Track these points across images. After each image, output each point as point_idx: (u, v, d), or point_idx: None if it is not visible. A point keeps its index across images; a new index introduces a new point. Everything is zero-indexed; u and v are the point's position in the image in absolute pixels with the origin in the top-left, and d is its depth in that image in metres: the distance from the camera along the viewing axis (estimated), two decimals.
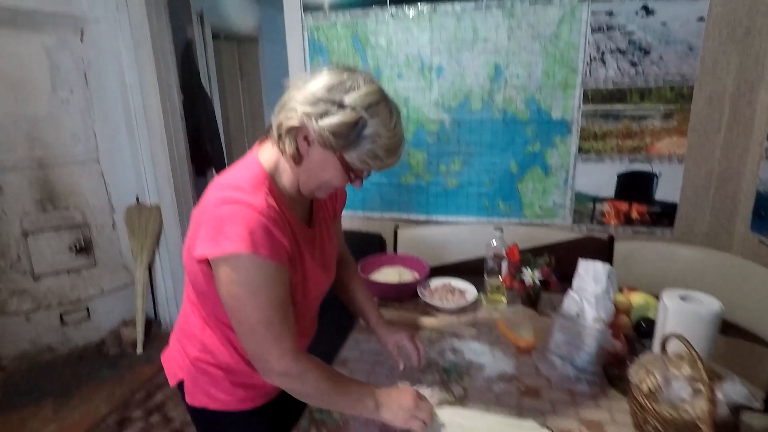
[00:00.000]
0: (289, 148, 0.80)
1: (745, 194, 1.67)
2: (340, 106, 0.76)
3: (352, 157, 0.79)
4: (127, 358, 2.53)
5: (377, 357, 1.16)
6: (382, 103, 0.79)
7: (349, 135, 0.77)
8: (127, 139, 2.52)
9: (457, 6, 1.77)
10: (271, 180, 0.84)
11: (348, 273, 1.16)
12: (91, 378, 2.35)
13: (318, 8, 1.92)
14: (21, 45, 2.25)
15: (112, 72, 2.42)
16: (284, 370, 0.79)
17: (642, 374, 0.84)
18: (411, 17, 1.83)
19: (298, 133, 0.79)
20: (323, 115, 0.76)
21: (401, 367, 1.06)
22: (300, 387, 0.82)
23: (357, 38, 1.91)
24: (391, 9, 1.84)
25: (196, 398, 0.96)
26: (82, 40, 2.40)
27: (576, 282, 1.11)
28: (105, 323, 2.64)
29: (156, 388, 2.25)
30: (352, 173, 0.82)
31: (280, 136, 0.81)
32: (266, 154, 0.86)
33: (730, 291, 1.38)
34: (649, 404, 0.80)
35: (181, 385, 0.98)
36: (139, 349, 2.57)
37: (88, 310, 2.57)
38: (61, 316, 2.49)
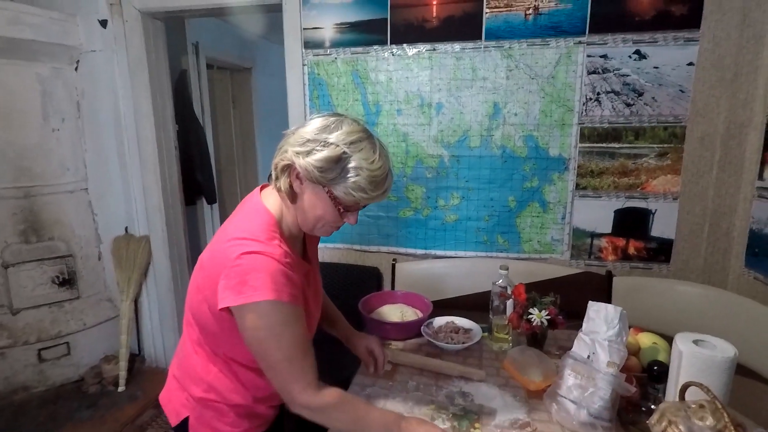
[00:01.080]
0: (283, 185, 0.89)
1: (739, 232, 1.71)
2: (325, 143, 0.84)
3: (339, 190, 0.87)
4: (109, 396, 2.40)
5: (384, 403, 1.11)
6: (365, 141, 0.87)
7: (333, 169, 0.85)
8: (119, 169, 2.47)
9: (457, 46, 1.82)
10: (279, 225, 0.91)
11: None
12: (69, 418, 2.21)
13: (319, 45, 1.94)
14: (13, 73, 2.21)
15: (106, 101, 2.39)
16: (306, 403, 0.86)
17: (664, 424, 0.83)
18: (411, 56, 1.87)
19: (290, 171, 0.88)
20: (310, 152, 0.85)
21: (370, 370, 1.21)
22: (323, 419, 0.89)
23: (357, 74, 1.93)
24: (392, 48, 1.88)
25: None
26: (76, 70, 2.37)
27: (586, 325, 1.10)
28: (86, 359, 2.52)
29: (139, 430, 2.14)
30: (341, 206, 0.89)
31: (276, 177, 0.90)
32: (270, 200, 0.93)
33: (728, 328, 1.39)
34: None
35: (184, 423, 0.97)
36: (122, 387, 2.44)
37: (68, 345, 2.45)
38: (39, 353, 2.37)
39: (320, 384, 0.88)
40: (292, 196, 0.90)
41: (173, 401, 1.01)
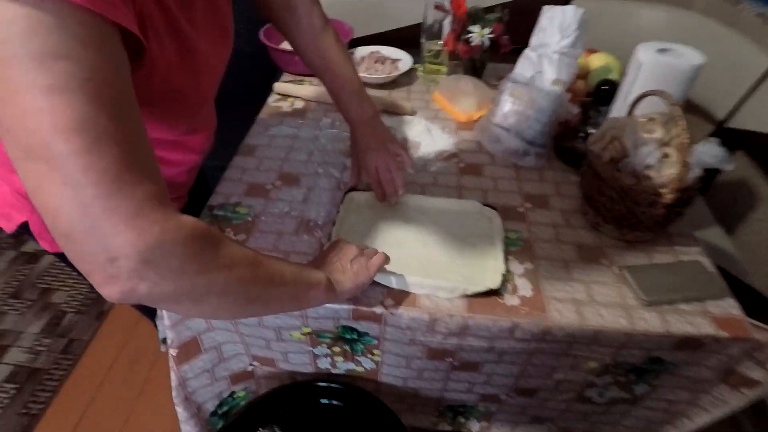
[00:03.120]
0: None
1: None
2: None
3: None
4: None
5: (292, 142, 0.94)
6: None
7: None
8: None
9: None
10: None
11: (302, 27, 0.73)
12: None
13: None
14: None
15: None
16: (149, 243, 0.34)
17: (605, 141, 0.71)
18: None
19: None
20: None
21: (378, 196, 0.77)
22: (196, 278, 0.38)
23: None
24: None
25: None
26: None
27: (536, 37, 0.88)
28: None
29: None
30: None
31: None
32: None
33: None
34: (608, 172, 0.69)
35: (24, 227, 0.65)
36: None
37: None
38: None
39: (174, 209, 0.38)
40: None
41: None
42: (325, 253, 0.62)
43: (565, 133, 0.92)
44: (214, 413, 0.83)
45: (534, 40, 0.88)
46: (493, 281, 0.65)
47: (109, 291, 0.35)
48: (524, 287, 0.67)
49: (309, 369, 0.79)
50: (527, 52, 0.89)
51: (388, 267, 0.66)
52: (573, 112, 0.85)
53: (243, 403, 0.86)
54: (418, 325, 0.65)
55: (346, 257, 0.60)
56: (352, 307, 0.64)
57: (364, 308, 0.64)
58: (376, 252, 0.63)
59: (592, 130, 0.90)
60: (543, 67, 0.85)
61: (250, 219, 0.76)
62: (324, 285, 0.54)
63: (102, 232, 0.33)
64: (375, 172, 0.76)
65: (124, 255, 0.33)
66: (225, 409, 0.84)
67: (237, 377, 0.82)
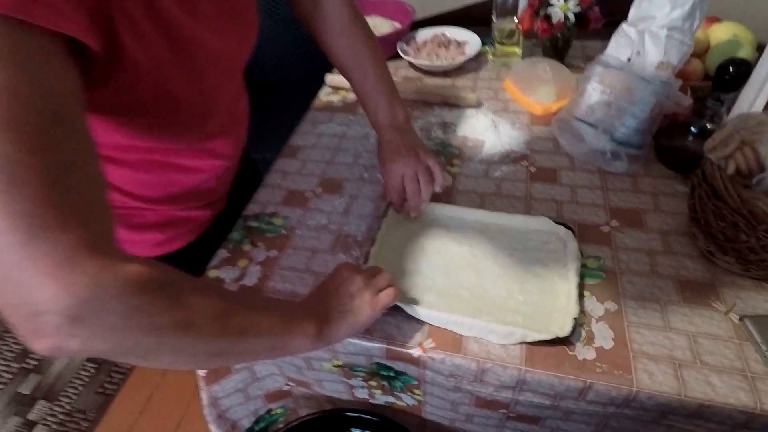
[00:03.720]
0: None
1: None
2: None
3: None
4: None
5: (339, 142, 0.86)
6: None
7: None
8: None
9: None
10: None
11: (328, 22, 0.64)
12: None
13: None
14: None
15: None
16: (78, 297, 0.28)
17: (733, 146, 0.53)
18: None
19: None
20: None
21: (406, 212, 0.67)
22: (141, 337, 0.32)
23: None
24: None
25: None
26: None
27: (636, 8, 0.70)
28: None
29: None
30: None
31: None
32: None
33: None
34: (732, 190, 0.51)
35: None
36: None
37: None
38: None
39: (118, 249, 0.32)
40: None
41: None
42: (324, 285, 0.53)
43: (670, 128, 0.73)
44: (250, 429, 0.79)
45: (634, 11, 0.70)
46: (562, 328, 0.52)
47: (36, 346, 0.29)
48: (603, 335, 0.53)
49: (345, 396, 0.72)
50: (624, 28, 0.72)
51: (432, 299, 0.56)
52: (684, 105, 0.66)
53: (281, 420, 0.81)
54: (464, 373, 0.54)
55: (347, 291, 0.50)
56: (385, 346, 0.55)
57: (399, 349, 0.54)
58: (387, 283, 0.53)
59: (710, 127, 0.71)
60: (645, 46, 0.67)
61: (285, 232, 0.69)
62: (311, 335, 0.45)
63: (21, 284, 0.27)
64: (400, 181, 0.64)
65: (47, 311, 0.27)
66: (262, 425, 0.80)
67: (273, 396, 0.77)
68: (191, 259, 0.64)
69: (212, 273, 0.64)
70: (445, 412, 0.65)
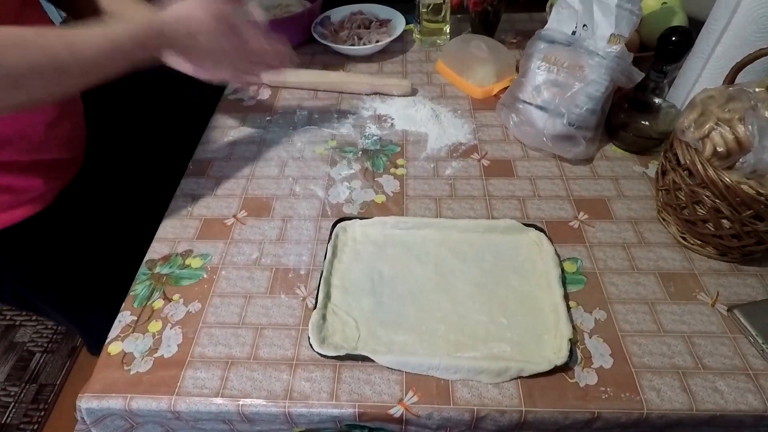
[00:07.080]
0: None
1: None
2: None
3: None
4: None
5: (258, 150, 0.71)
6: None
7: None
8: None
9: None
10: None
11: None
12: None
13: None
14: None
15: None
16: None
17: (708, 126, 0.48)
18: None
19: None
20: None
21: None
22: None
23: None
24: None
25: None
26: None
27: None
28: None
29: None
30: None
31: None
32: None
33: None
34: (714, 174, 0.47)
35: None
36: None
37: None
38: None
39: None
40: None
41: None
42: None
43: (616, 104, 0.69)
44: None
45: None
46: (557, 353, 0.45)
47: None
48: (600, 352, 0.47)
49: None
50: None
51: (405, 339, 0.46)
52: (636, 80, 0.62)
53: None
54: (456, 424, 0.45)
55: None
56: (357, 411, 0.44)
57: (375, 411, 0.44)
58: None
59: (657, 100, 0.68)
60: (594, 18, 0.61)
61: (205, 276, 0.55)
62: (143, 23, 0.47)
63: None
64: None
65: None
66: None
67: None
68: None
69: (114, 347, 0.49)
70: None
